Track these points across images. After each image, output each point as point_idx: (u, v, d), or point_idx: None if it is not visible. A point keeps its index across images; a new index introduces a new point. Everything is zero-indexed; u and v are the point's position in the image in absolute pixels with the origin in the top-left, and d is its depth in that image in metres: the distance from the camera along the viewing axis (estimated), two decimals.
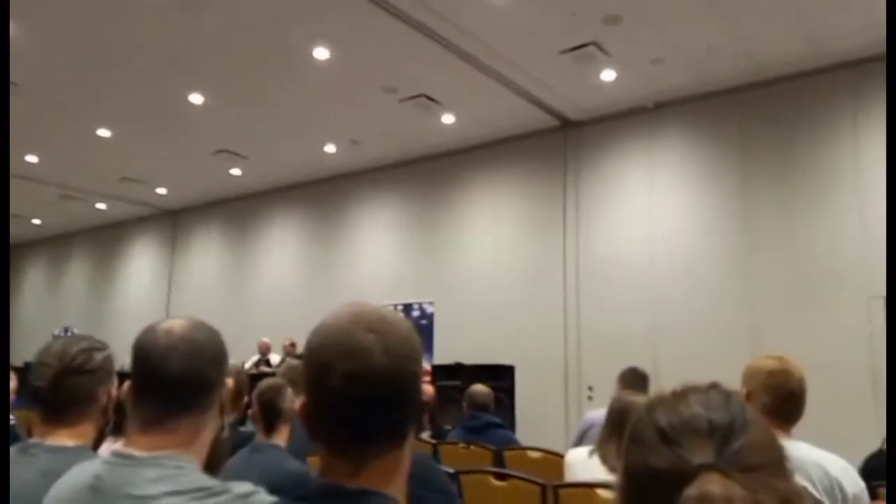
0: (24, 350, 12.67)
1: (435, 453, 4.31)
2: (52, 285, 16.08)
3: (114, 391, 1.68)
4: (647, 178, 8.00)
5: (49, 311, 15.60)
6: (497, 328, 8.72)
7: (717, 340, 7.06)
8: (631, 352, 7.06)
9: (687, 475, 0.67)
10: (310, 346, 0.95)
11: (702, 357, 6.93)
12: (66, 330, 14.45)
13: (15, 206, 13.17)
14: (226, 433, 1.42)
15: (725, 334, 7.07)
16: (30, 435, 1.74)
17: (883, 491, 2.39)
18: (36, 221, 14.92)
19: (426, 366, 8.55)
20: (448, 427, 5.93)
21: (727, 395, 0.75)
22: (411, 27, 6.43)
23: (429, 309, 9.52)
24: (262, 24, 6.51)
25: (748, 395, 2.16)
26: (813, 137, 7.04)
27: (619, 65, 7.14)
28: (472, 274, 9.21)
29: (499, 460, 4.11)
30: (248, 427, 3.60)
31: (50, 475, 1.25)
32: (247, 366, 8.81)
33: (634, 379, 4.30)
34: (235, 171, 10.94)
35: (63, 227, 15.35)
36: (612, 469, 2.66)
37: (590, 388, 7.86)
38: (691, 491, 0.65)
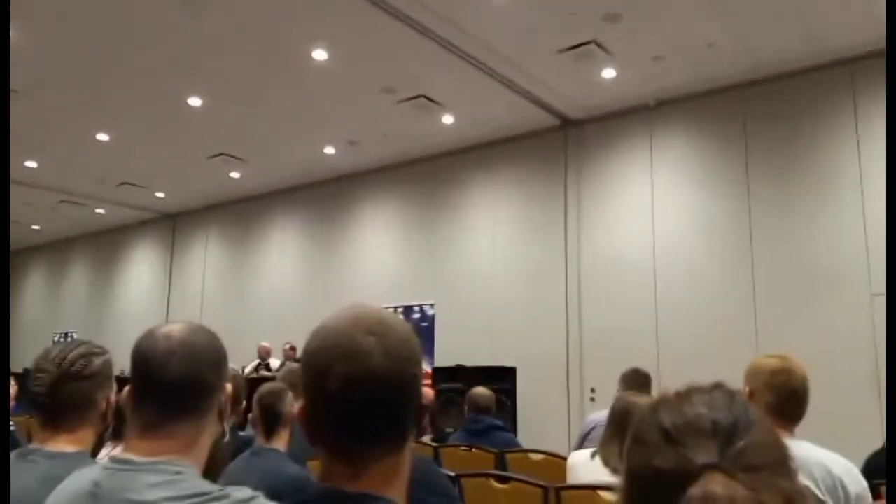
0: (24, 355, 12.64)
1: (436, 456, 4.30)
2: (53, 290, 16.09)
3: (113, 396, 1.67)
4: (648, 176, 8.00)
5: (49, 316, 15.61)
6: (498, 329, 8.71)
7: (719, 339, 7.05)
8: (633, 351, 7.05)
9: (690, 475, 0.66)
10: (308, 349, 0.94)
11: (704, 356, 6.92)
12: (66, 335, 14.45)
13: (15, 212, 13.19)
14: (227, 438, 1.42)
15: (727, 333, 7.06)
16: (30, 441, 1.73)
17: (884, 489, 2.38)
18: (36, 227, 14.93)
19: (427, 368, 8.54)
20: (449, 430, 5.92)
21: (731, 395, 0.74)
22: (410, 27, 6.43)
23: (429, 311, 9.52)
24: (261, 25, 6.52)
25: (751, 394, 2.16)
26: (814, 135, 7.04)
27: (619, 63, 7.14)
28: (473, 275, 9.20)
29: (500, 463, 4.10)
30: (248, 431, 3.60)
31: (49, 481, 1.25)
32: (247, 370, 8.80)
33: (637, 380, 4.29)
34: (234, 174, 10.95)
35: (63, 233, 15.36)
36: (614, 471, 2.65)
37: (592, 390, 7.85)
38: (695, 491, 0.65)
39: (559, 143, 8.77)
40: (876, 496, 2.19)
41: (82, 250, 15.49)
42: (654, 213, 7.87)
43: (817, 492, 1.89)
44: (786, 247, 7.02)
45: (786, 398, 2.13)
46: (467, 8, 6.18)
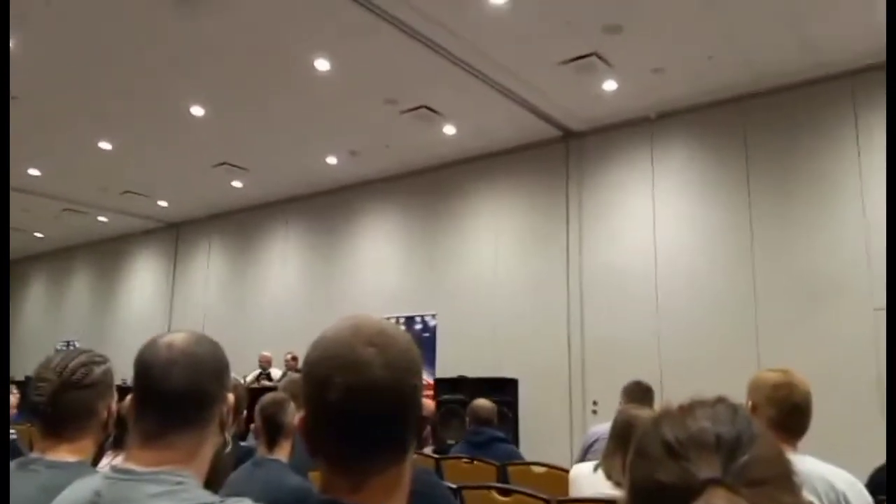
0: (26, 364, 12.65)
1: (437, 468, 4.28)
2: (55, 299, 16.09)
3: (114, 405, 1.67)
4: (650, 187, 8.01)
5: (52, 325, 15.61)
6: (500, 340, 8.70)
7: (720, 350, 7.04)
8: (635, 362, 7.04)
9: (693, 490, 0.66)
10: (309, 360, 0.94)
11: (705, 367, 6.91)
12: (68, 343, 14.45)
13: (17, 220, 13.21)
14: (229, 448, 1.41)
15: (729, 344, 7.05)
16: (31, 449, 1.73)
17: None
18: (38, 235, 14.96)
19: (428, 379, 8.52)
20: (451, 441, 5.90)
21: (734, 409, 0.74)
22: (413, 38, 6.46)
23: (431, 321, 9.51)
24: (264, 35, 6.55)
25: (753, 408, 2.15)
26: (815, 146, 7.05)
27: (620, 75, 7.16)
28: (475, 286, 9.19)
29: (502, 475, 4.08)
30: (249, 441, 3.59)
31: (50, 490, 1.25)
32: (248, 379, 8.78)
33: (638, 392, 4.27)
34: (237, 184, 10.97)
35: (65, 241, 15.38)
36: (616, 484, 2.64)
37: (594, 403, 7.82)
38: None
39: (560, 154, 8.79)
40: None
41: (85, 259, 15.51)
42: (655, 224, 7.88)
43: None
44: (787, 258, 7.02)
45: (788, 412, 2.12)
46: (469, 19, 6.21)
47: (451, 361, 8.87)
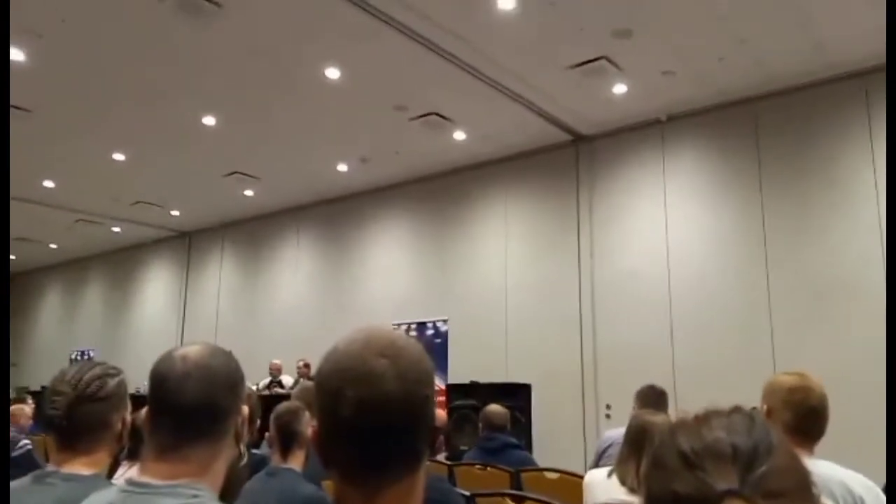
0: (41, 374, 12.76)
1: (450, 475, 4.27)
2: (69, 309, 16.22)
3: (128, 416, 1.68)
4: (661, 190, 7.97)
5: (66, 335, 15.73)
6: (512, 346, 8.68)
7: (734, 353, 6.99)
8: (648, 366, 7.00)
9: (710, 501, 0.66)
10: (321, 372, 0.94)
11: (719, 371, 6.86)
12: (82, 353, 14.55)
13: (32, 231, 13.35)
14: (245, 460, 1.41)
15: (742, 347, 7.00)
16: (47, 460, 1.74)
17: None
18: (53, 246, 15.09)
19: (441, 385, 8.51)
20: (464, 447, 5.88)
21: (751, 419, 0.73)
22: (422, 45, 6.48)
23: (442, 327, 9.50)
24: (274, 44, 6.59)
25: (769, 412, 2.13)
26: (827, 147, 7.00)
27: (630, 78, 7.15)
28: (486, 291, 9.18)
29: (516, 482, 4.06)
30: (263, 450, 3.60)
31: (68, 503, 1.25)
32: (259, 387, 8.79)
33: (652, 396, 4.24)
34: (248, 192, 11.03)
35: (79, 252, 15.51)
36: (631, 490, 2.62)
37: (608, 406, 7.78)
38: None
39: (571, 158, 8.77)
40: None
41: (98, 269, 15.63)
42: (667, 227, 7.84)
43: None
44: (800, 260, 6.96)
45: (804, 416, 2.10)
46: (478, 25, 6.22)
47: (464, 367, 8.85)
